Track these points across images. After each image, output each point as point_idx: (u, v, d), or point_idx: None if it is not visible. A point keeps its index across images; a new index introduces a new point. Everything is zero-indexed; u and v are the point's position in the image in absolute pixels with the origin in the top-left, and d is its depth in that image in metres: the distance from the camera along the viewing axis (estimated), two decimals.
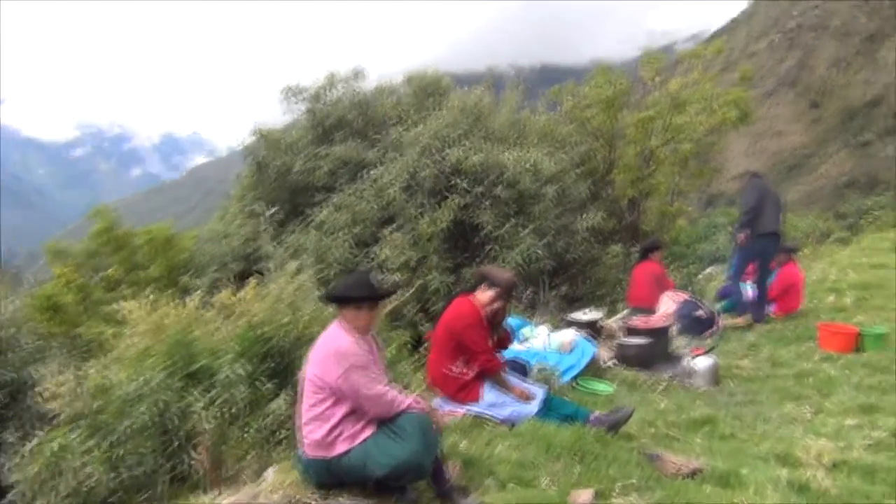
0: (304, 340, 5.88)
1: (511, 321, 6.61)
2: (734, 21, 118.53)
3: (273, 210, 12.05)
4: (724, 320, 8.33)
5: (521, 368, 5.24)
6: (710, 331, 7.85)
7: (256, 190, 13.86)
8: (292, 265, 7.21)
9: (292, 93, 13.65)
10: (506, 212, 11.58)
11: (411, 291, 10.55)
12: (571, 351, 6.03)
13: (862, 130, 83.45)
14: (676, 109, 13.34)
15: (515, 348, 6.00)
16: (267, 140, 13.67)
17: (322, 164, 12.90)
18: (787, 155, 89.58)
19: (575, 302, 13.14)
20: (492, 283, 4.73)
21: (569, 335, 6.21)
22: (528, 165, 11.46)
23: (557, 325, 7.14)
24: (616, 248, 12.92)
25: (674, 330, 7.63)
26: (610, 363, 6.40)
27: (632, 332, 6.82)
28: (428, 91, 13.94)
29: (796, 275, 8.99)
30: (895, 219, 16.31)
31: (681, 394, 5.88)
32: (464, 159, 11.59)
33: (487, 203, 11.49)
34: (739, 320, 8.45)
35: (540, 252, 11.23)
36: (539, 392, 4.70)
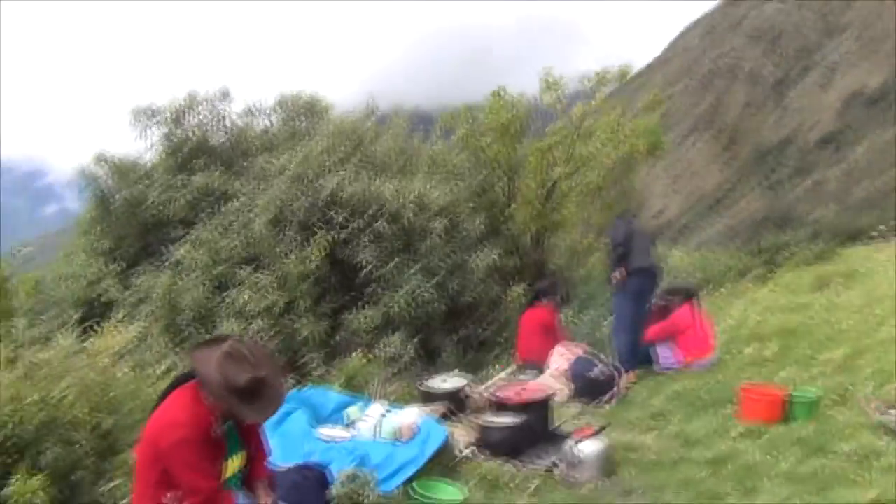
0: (59, 424, 4.44)
1: (334, 397, 4.94)
2: (650, 67, 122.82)
3: None
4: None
5: (314, 480, 3.49)
6: (609, 394, 6.33)
7: (102, 225, 11.98)
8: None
9: (145, 115, 11.86)
10: (390, 248, 10.25)
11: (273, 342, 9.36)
12: (412, 439, 4.37)
13: (773, 170, 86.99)
14: (581, 139, 12.17)
15: (328, 435, 4.30)
16: (116, 169, 11.84)
17: (180, 195, 11.24)
18: (706, 193, 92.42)
19: (481, 347, 11.82)
20: (203, 382, 2.80)
21: (410, 416, 4.51)
22: (411, 197, 10.12)
23: (411, 397, 5.51)
24: (517, 289, 11.60)
25: (565, 396, 6.12)
26: (468, 452, 4.73)
27: (500, 407, 5.13)
28: (301, 115, 12.48)
29: (686, 320, 7.64)
30: (814, 255, 15.50)
31: (559, 496, 4.30)
32: (342, 189, 10.26)
33: (368, 239, 10.12)
34: (631, 376, 6.95)
35: (429, 294, 9.94)
36: None
